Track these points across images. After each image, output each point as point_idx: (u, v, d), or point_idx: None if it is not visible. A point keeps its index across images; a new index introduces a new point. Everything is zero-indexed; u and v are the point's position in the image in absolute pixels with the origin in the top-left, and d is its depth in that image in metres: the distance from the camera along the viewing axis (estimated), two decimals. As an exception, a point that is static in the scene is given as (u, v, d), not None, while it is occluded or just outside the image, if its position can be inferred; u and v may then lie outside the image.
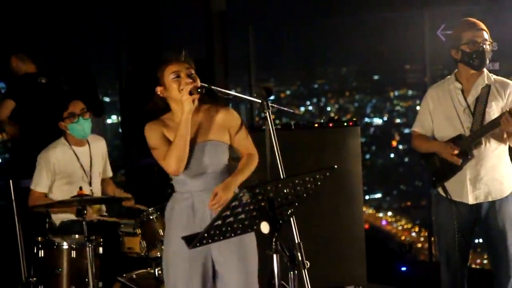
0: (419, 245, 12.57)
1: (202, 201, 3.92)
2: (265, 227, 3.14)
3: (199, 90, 3.85)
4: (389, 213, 15.50)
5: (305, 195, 3.30)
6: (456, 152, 4.67)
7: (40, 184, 5.44)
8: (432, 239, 7.29)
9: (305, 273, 3.46)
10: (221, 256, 3.96)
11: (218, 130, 4.03)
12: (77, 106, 5.58)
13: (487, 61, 4.73)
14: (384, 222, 14.86)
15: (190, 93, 3.82)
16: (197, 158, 3.96)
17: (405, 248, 7.49)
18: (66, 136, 5.59)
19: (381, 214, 15.40)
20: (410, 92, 15.40)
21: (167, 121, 4.05)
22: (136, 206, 5.53)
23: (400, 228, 14.71)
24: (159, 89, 4.03)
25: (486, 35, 4.71)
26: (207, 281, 3.98)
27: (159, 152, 3.96)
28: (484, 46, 4.68)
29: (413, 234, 14.09)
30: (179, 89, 3.89)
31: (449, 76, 4.91)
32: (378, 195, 15.59)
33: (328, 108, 16.31)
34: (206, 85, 4.70)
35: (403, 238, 14.20)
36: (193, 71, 3.97)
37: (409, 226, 14.79)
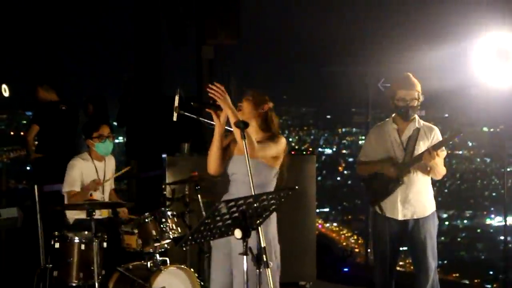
0: (357, 249, 12.62)
1: None
2: (238, 233, 3.12)
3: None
4: (334, 224, 15.56)
5: (271, 208, 3.27)
6: (392, 169, 4.70)
7: (74, 184, 5.33)
8: (368, 246, 7.26)
9: (268, 271, 3.40)
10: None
11: None
12: (106, 129, 5.51)
13: (413, 114, 4.78)
14: (320, 226, 14.93)
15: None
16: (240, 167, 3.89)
17: (347, 253, 7.47)
18: (90, 152, 5.52)
19: (327, 224, 15.45)
20: (354, 129, 15.57)
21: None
22: (131, 217, 5.45)
23: (342, 236, 14.78)
24: None
25: (415, 93, 4.73)
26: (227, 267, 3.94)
27: None
28: (411, 103, 4.72)
29: (352, 241, 14.16)
30: None
31: (388, 119, 4.93)
32: (326, 209, 15.66)
33: (290, 139, 16.39)
34: (195, 116, 4.68)
35: (344, 244, 14.25)
36: (240, 104, 3.98)
37: (349, 234, 14.86)
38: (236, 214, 3.11)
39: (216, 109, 3.81)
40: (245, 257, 3.20)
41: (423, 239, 4.77)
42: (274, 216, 3.98)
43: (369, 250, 7.22)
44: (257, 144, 3.82)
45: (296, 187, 3.29)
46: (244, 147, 3.62)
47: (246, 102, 4.00)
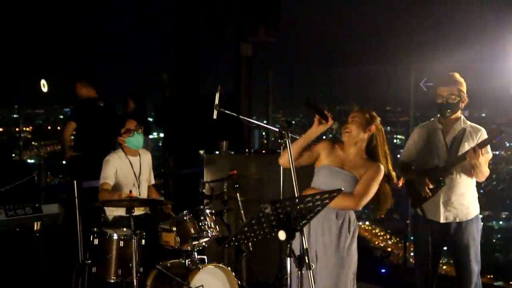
0: (389, 249, 12.46)
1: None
2: (282, 235, 3.05)
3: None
4: (367, 223, 15.43)
5: (315, 210, 3.18)
6: (431, 186, 4.56)
7: (109, 177, 5.29)
8: (408, 244, 7.10)
9: (310, 273, 3.32)
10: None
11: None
12: (132, 123, 5.47)
13: (452, 111, 4.63)
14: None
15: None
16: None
17: (384, 254, 7.35)
18: (123, 148, 5.48)
19: (360, 223, 15.29)
20: (388, 128, 15.35)
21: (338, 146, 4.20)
22: (171, 213, 5.39)
23: (378, 236, 14.65)
24: None
25: (454, 89, 4.58)
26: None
27: None
28: (449, 100, 4.58)
29: (388, 241, 13.99)
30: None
31: (433, 118, 4.79)
32: (359, 208, 15.54)
33: (324, 137, 16.26)
34: (235, 114, 4.61)
35: (377, 243, 14.10)
36: (349, 118, 4.13)
37: (382, 233, 14.70)
38: (281, 216, 3.02)
39: (323, 118, 3.94)
40: (288, 259, 3.12)
41: (466, 242, 4.65)
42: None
43: (407, 252, 7.07)
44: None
45: (342, 188, 3.21)
46: (289, 147, 3.58)
47: (353, 123, 4.09)
